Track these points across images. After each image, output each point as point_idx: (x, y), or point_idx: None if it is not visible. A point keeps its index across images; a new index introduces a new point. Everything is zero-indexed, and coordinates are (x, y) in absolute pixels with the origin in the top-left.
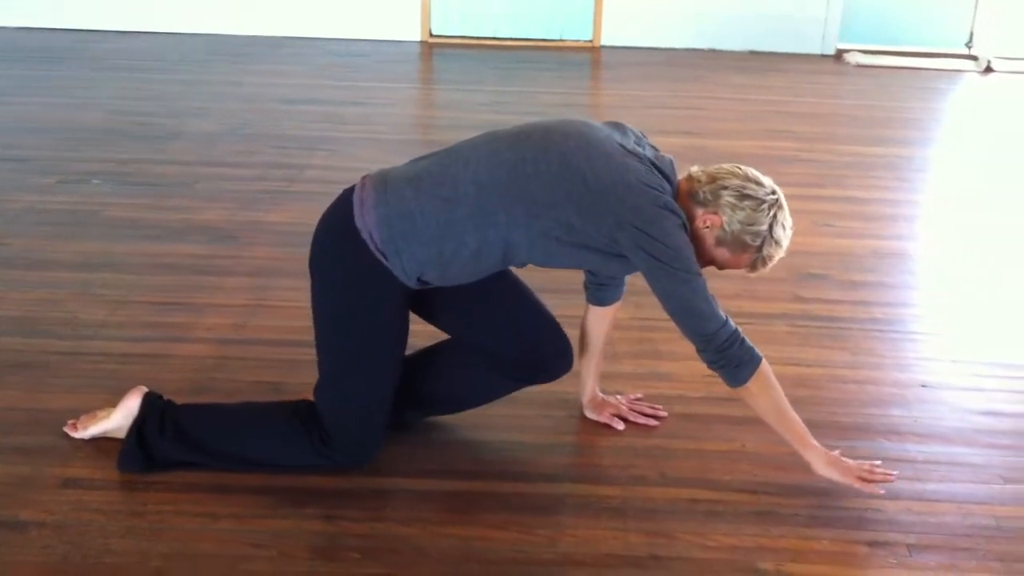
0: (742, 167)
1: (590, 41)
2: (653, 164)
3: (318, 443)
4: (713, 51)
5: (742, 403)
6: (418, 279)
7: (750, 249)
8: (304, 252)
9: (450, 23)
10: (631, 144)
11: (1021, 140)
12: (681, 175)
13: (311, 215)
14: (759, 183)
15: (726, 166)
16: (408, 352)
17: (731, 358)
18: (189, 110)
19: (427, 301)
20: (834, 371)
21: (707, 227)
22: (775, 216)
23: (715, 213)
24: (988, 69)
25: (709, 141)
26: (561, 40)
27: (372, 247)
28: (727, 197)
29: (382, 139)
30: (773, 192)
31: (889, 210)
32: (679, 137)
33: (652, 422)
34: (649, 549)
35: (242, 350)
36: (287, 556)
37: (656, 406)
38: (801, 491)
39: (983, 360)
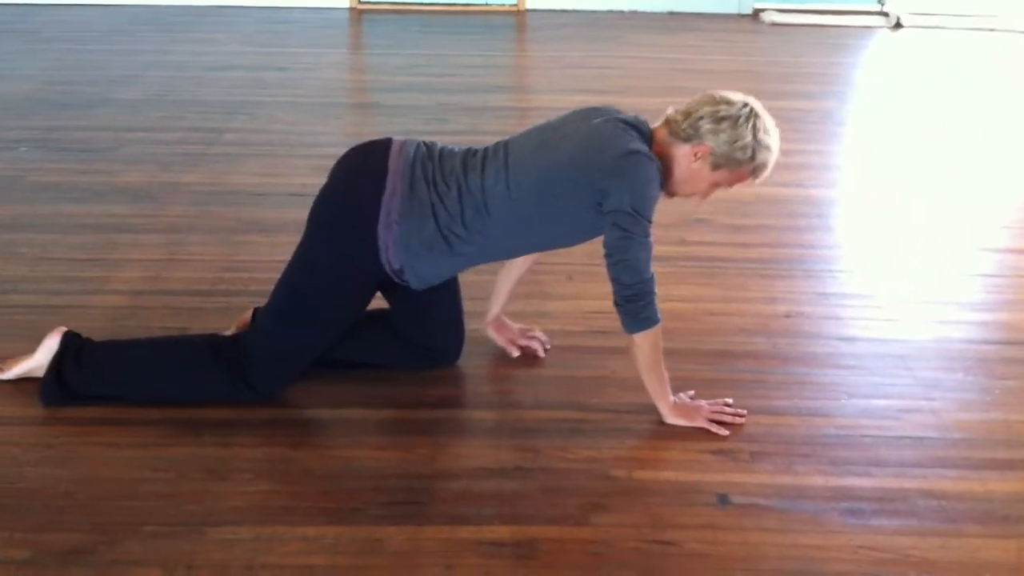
0: (710, 91)
1: (515, 5)
2: (624, 122)
3: (233, 373)
4: (634, 12)
5: (618, 337)
6: (400, 277)
7: (745, 162)
8: (215, 211)
9: None
10: (604, 115)
11: (919, 93)
12: (658, 122)
13: (226, 176)
14: (729, 102)
15: (697, 96)
16: None
17: (635, 311)
18: (118, 79)
19: None
20: (705, 305)
21: (699, 158)
22: (754, 126)
23: (701, 143)
24: (898, 25)
25: (616, 98)
26: (486, 5)
27: (384, 257)
28: (705, 125)
29: (301, 102)
30: (745, 104)
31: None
32: (589, 95)
33: (540, 352)
34: (516, 462)
35: (153, 300)
36: (184, 477)
37: None
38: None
39: (846, 292)
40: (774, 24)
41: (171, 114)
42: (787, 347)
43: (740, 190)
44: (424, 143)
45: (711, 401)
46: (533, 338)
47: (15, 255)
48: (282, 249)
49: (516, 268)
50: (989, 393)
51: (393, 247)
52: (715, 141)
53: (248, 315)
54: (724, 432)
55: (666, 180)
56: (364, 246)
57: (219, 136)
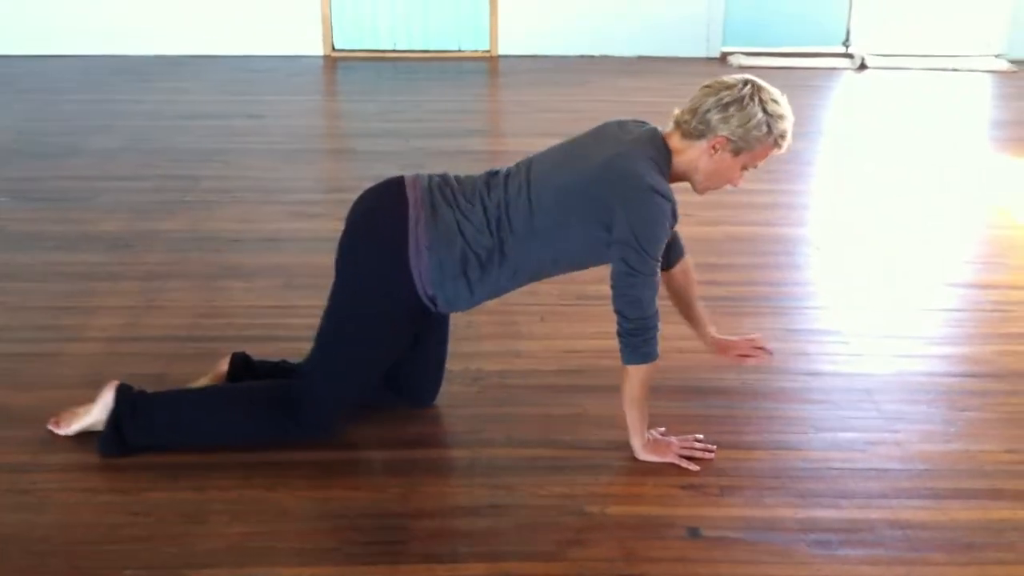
0: (707, 82)
1: (487, 51)
2: (645, 145)
3: (283, 415)
4: (604, 57)
5: (597, 373)
6: (435, 304)
7: (763, 139)
8: (193, 257)
9: (352, 37)
10: (624, 133)
11: (883, 132)
12: (668, 127)
13: (203, 223)
14: (729, 86)
15: (697, 91)
16: None
17: (635, 344)
18: (92, 128)
19: None
20: (676, 343)
21: (719, 149)
22: (761, 99)
23: (716, 136)
24: (862, 66)
25: None
26: (460, 51)
27: (419, 287)
28: (714, 117)
29: (275, 148)
30: (745, 83)
31: (744, 199)
32: (558, 138)
33: (765, 357)
34: (490, 500)
35: (130, 346)
36: (162, 521)
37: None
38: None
39: (813, 328)
40: (741, 67)
41: (145, 162)
42: (756, 383)
43: (706, 230)
44: (436, 174)
45: (681, 437)
46: (759, 349)
47: None
48: (258, 294)
49: (683, 288)
50: (952, 424)
51: (426, 273)
52: (728, 128)
53: (224, 364)
54: (694, 467)
55: (694, 180)
56: (399, 280)
57: (194, 183)
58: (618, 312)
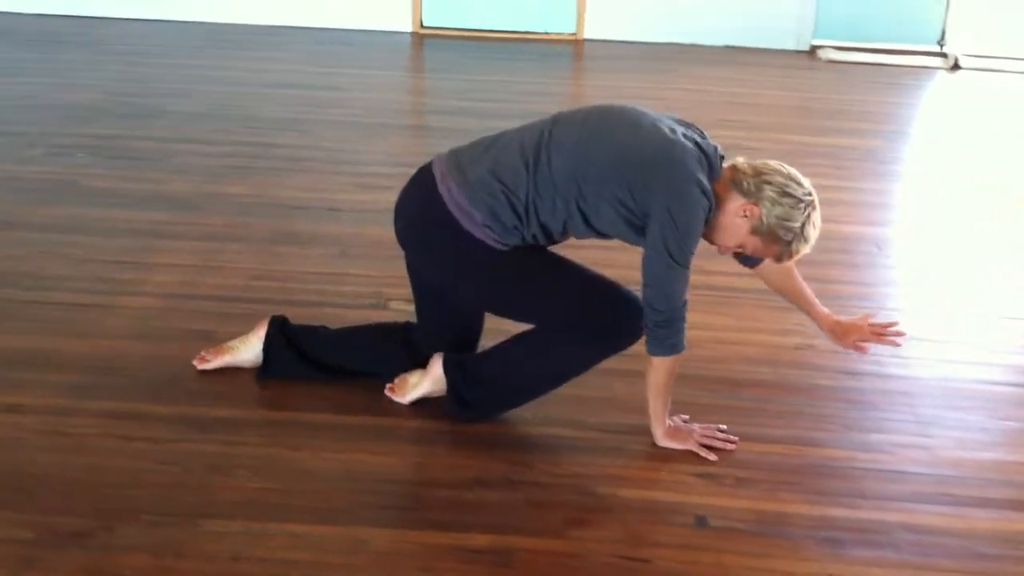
0: (785, 166)
1: (574, 34)
2: (698, 146)
3: (602, 340)
4: (692, 45)
5: (635, 358)
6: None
7: (781, 242)
8: (254, 221)
9: (441, 15)
10: (680, 129)
11: (970, 135)
12: (727, 163)
13: (269, 189)
14: (799, 183)
15: (771, 163)
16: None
17: (663, 336)
18: (177, 92)
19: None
20: (716, 333)
21: (745, 216)
22: (809, 216)
23: (755, 204)
24: (956, 66)
25: None
26: (546, 33)
27: (493, 243)
28: (769, 192)
29: (352, 121)
30: (810, 193)
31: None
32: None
33: (897, 341)
34: (506, 474)
35: (183, 303)
36: (187, 471)
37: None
38: None
39: None
40: (831, 61)
41: (223, 128)
42: (792, 378)
43: None
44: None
45: (703, 426)
46: (883, 333)
47: (63, 255)
48: (312, 261)
49: (782, 277)
50: (988, 433)
51: (490, 227)
52: (768, 210)
53: (263, 327)
54: (712, 457)
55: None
56: (479, 246)
57: (267, 150)
58: (648, 304)
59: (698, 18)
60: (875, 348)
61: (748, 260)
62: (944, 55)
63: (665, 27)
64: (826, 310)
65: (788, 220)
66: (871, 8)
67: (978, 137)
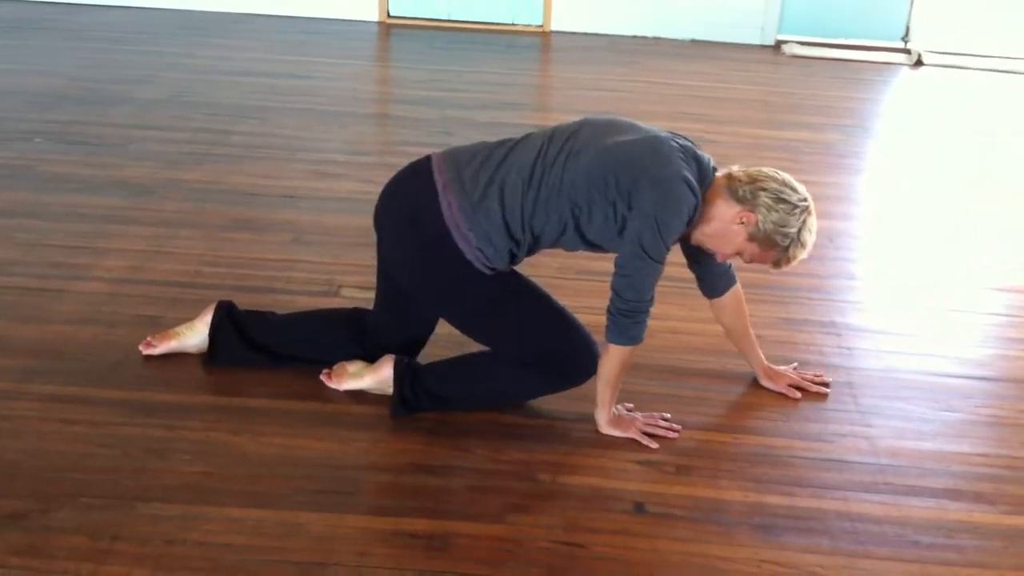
0: (780, 172)
1: (541, 26)
2: (691, 152)
3: (554, 377)
4: (657, 39)
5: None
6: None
7: (777, 248)
8: (209, 208)
9: (408, 5)
10: (670, 134)
11: (928, 130)
12: (722, 171)
13: (225, 176)
14: (794, 189)
15: (766, 169)
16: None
17: (624, 325)
18: (140, 79)
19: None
20: (669, 323)
21: (742, 223)
22: (804, 221)
23: (751, 211)
24: (919, 63)
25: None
26: (513, 25)
27: (480, 266)
28: (764, 198)
29: (313, 109)
30: (805, 199)
31: None
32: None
33: (823, 390)
34: (446, 460)
35: (133, 288)
36: (127, 455)
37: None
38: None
39: (808, 319)
40: (795, 56)
41: (184, 114)
42: (737, 368)
43: None
44: (447, 150)
45: (646, 414)
46: (809, 379)
47: (11, 240)
48: (264, 247)
49: (734, 317)
50: (929, 423)
51: (482, 251)
52: (764, 216)
53: (209, 312)
54: (654, 445)
55: (698, 224)
56: (465, 265)
57: (225, 137)
58: (615, 291)
59: (664, 12)
60: (821, 340)
61: (708, 289)
62: (908, 51)
63: (632, 20)
64: (762, 357)
65: (784, 226)
66: (836, 4)
67: (940, 132)
